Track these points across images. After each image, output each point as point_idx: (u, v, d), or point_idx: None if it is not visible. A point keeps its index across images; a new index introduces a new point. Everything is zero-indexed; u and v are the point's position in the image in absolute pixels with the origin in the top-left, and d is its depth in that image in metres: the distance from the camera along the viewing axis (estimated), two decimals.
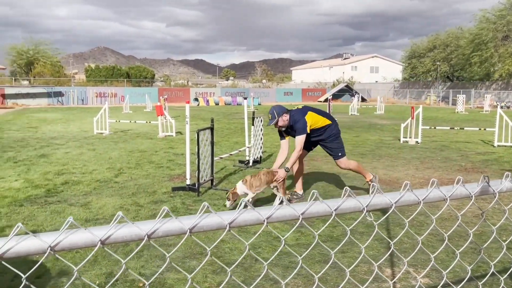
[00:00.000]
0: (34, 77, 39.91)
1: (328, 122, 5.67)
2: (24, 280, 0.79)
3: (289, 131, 5.64)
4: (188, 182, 6.15)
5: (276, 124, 5.52)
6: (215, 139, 6.51)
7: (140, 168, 7.69)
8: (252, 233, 4.32)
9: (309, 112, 5.56)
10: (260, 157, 8.34)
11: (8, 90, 31.37)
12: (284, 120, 5.50)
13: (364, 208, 1.04)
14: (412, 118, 11.37)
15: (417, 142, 11.39)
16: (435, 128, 13.56)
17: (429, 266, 3.27)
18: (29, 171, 7.34)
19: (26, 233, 0.81)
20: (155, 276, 2.01)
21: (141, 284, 3.28)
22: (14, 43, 44.14)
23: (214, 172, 6.53)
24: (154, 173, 7.27)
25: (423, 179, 7.06)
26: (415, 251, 3.09)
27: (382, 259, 2.53)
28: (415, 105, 15.12)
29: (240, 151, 8.48)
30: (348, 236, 1.16)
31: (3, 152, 9.26)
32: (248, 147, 8.16)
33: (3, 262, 0.85)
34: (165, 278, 3.35)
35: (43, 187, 6.19)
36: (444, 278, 1.68)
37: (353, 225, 1.58)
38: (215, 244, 1.27)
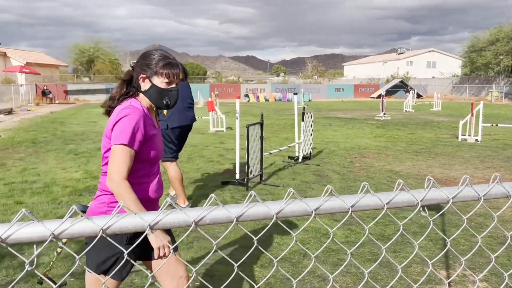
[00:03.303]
0: (94, 74, 41.95)
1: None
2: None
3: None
4: (237, 176, 6.21)
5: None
6: (264, 134, 6.52)
7: (192, 162, 7.86)
8: (301, 228, 4.29)
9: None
10: (310, 153, 8.25)
11: (71, 87, 33.19)
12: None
13: (418, 203, 0.99)
14: (472, 115, 10.79)
15: (476, 140, 10.80)
16: (497, 125, 12.78)
17: (487, 269, 3.09)
18: (88, 163, 7.72)
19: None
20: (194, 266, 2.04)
21: (190, 274, 3.35)
22: (76, 42, 46.62)
23: (263, 167, 6.55)
24: (204, 167, 7.41)
25: (483, 179, 6.68)
26: (472, 252, 2.94)
27: (435, 259, 2.42)
28: (475, 101, 14.32)
29: (289, 146, 8.44)
30: (400, 231, 1.11)
31: (65, 145, 9.81)
32: (297, 143, 8.11)
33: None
34: (214, 270, 3.40)
35: None
36: (506, 281, 1.57)
37: (405, 221, 1.51)
38: (261, 234, 1.26)
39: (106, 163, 1.94)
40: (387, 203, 0.97)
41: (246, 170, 5.98)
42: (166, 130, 4.81)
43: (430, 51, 70.15)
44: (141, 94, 2.01)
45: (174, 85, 2.00)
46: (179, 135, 4.94)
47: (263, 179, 6.46)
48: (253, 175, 6.19)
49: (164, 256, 1.87)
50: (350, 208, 0.95)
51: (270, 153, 7.80)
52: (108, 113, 2.05)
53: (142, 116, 1.91)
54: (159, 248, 1.85)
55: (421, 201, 0.99)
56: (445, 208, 1.13)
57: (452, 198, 1.02)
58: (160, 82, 1.96)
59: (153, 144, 1.98)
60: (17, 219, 0.76)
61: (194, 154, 8.71)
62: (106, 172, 1.93)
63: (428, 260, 1.38)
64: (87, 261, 1.96)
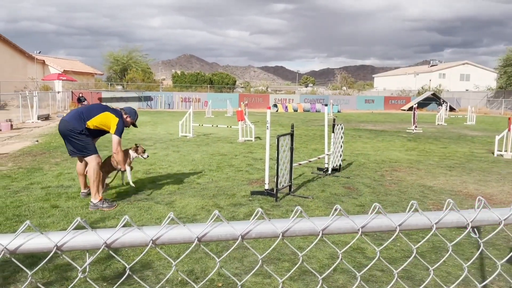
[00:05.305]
0: (127, 82, 42.98)
1: None
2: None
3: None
4: (266, 187, 6.20)
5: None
6: (294, 145, 6.50)
7: (221, 171, 7.91)
8: (330, 241, 4.23)
9: None
10: (340, 165, 8.16)
11: (105, 94, 34.13)
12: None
13: (468, 224, 0.96)
14: (509, 130, 10.43)
15: None
16: None
17: None
18: None
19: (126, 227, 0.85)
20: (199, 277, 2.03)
21: (220, 284, 3.36)
22: (111, 51, 47.99)
23: (292, 178, 6.51)
24: (233, 176, 7.44)
25: None
26: None
27: (485, 282, 2.33)
28: (511, 115, 13.81)
29: (319, 158, 8.38)
30: (449, 253, 1.07)
31: (99, 151, 10.04)
32: (327, 154, 8.03)
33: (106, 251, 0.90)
34: (242, 280, 3.39)
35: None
36: None
37: (453, 242, 1.46)
38: (307, 250, 1.25)
39: None
40: (436, 223, 0.94)
41: (275, 180, 5.96)
42: None
43: (463, 64, 68.48)
44: None
45: None
46: (62, 137, 5.73)
47: (292, 190, 6.43)
48: (282, 185, 6.16)
49: None
50: (398, 227, 0.93)
51: (300, 164, 7.76)
52: None
53: None
54: None
55: (471, 222, 0.96)
56: (497, 230, 1.09)
57: (504, 219, 0.98)
58: None
59: None
60: (73, 227, 0.78)
61: (223, 163, 8.76)
62: None
63: (477, 283, 1.33)
64: None
